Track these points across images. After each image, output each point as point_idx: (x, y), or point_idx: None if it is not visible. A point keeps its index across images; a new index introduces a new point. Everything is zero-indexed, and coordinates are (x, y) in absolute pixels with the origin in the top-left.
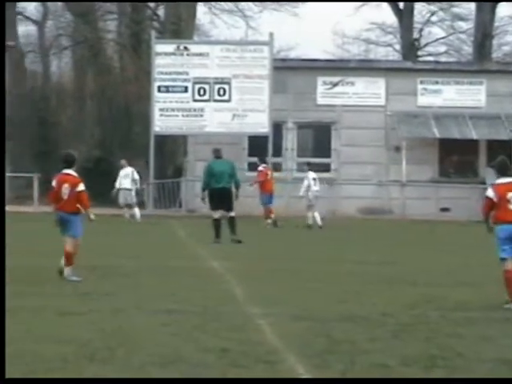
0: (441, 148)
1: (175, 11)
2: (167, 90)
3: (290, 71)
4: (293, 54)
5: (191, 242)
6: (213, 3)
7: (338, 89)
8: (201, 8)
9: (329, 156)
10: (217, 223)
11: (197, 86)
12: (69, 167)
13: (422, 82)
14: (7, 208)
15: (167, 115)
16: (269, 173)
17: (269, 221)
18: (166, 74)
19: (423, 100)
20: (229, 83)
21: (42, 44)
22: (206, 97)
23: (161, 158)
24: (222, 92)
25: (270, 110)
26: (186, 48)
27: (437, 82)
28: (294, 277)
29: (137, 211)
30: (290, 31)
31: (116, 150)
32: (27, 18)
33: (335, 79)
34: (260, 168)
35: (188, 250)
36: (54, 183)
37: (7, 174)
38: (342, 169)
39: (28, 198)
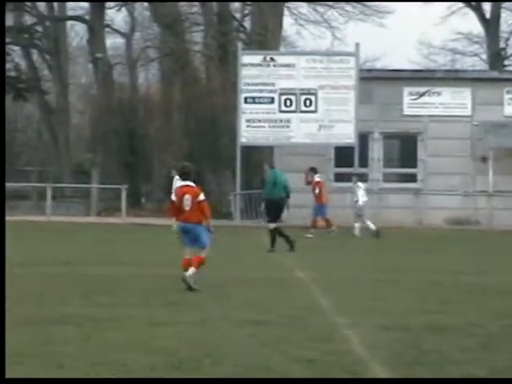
0: None
1: (261, 22)
2: (254, 101)
3: (375, 82)
4: (379, 65)
5: (277, 252)
6: (299, 14)
7: (424, 99)
8: (287, 19)
9: (415, 166)
10: (273, 233)
11: (283, 97)
12: (187, 179)
13: (508, 92)
14: (95, 219)
15: (254, 126)
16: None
17: (333, 228)
18: (253, 84)
19: (510, 110)
20: (315, 94)
21: (129, 56)
22: (293, 108)
23: (247, 169)
24: (308, 103)
25: (356, 120)
26: (272, 59)
27: None
28: (380, 286)
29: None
30: (376, 41)
31: (203, 161)
32: (115, 30)
33: (421, 89)
34: (316, 179)
35: (274, 260)
36: (173, 197)
37: (96, 186)
38: (428, 179)
39: (116, 209)
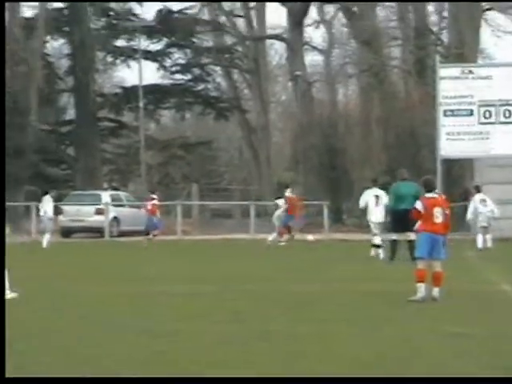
0: None
1: (459, 35)
2: (453, 113)
3: None
4: None
5: (482, 265)
6: (496, 26)
7: None
8: (484, 31)
9: None
10: (393, 244)
11: (482, 109)
12: (431, 190)
13: None
14: (298, 236)
15: (453, 139)
16: None
17: None
18: (451, 97)
19: None
20: None
21: (328, 72)
22: (492, 119)
23: (447, 182)
24: (507, 114)
25: None
26: (470, 71)
27: None
28: None
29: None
30: None
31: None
32: (314, 47)
33: None
34: None
35: (478, 273)
36: (419, 206)
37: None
38: None
39: (318, 225)
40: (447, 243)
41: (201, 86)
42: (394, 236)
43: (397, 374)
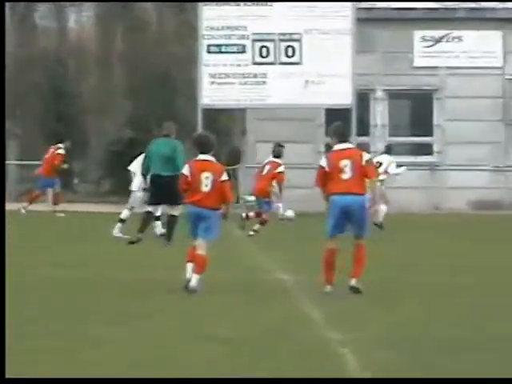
0: None
1: None
2: (219, 50)
3: (378, 24)
4: (382, 3)
5: (251, 247)
6: None
7: (440, 46)
8: None
9: (430, 134)
10: (146, 217)
11: (257, 45)
12: (205, 152)
13: None
14: (12, 206)
15: (219, 83)
16: None
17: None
18: (218, 29)
19: None
20: (299, 40)
21: None
22: (270, 58)
23: None
24: (290, 52)
25: (353, 74)
26: None
27: None
28: (387, 291)
29: None
30: None
31: (154, 129)
32: None
33: (438, 34)
34: None
35: (247, 257)
36: (186, 170)
37: (13, 162)
38: (447, 150)
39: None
40: (223, 218)
41: None
42: (149, 208)
43: None
